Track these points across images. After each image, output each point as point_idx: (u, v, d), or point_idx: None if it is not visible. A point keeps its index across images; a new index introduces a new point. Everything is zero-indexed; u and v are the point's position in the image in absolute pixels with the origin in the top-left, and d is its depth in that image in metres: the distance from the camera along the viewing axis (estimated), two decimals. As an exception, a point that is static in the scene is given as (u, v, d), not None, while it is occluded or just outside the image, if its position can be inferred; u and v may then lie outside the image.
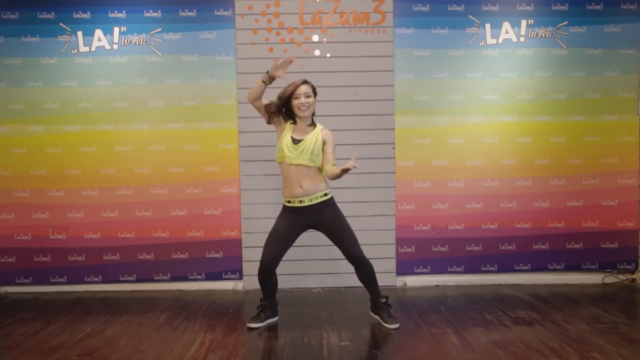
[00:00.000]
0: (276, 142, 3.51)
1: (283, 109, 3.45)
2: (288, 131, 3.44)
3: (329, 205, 3.46)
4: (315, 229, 3.52)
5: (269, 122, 3.53)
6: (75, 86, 4.47)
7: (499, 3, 4.52)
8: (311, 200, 3.41)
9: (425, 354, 3.06)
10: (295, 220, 3.46)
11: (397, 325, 3.48)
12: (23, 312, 3.97)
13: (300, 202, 3.42)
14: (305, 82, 3.42)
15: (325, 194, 3.45)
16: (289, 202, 3.47)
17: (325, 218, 3.45)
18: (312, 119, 3.48)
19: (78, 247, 4.52)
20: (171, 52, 4.49)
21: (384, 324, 3.52)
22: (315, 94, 3.46)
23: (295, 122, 3.46)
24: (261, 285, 3.57)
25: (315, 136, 3.40)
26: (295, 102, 3.38)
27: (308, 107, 3.38)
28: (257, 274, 3.52)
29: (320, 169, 3.43)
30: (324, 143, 3.41)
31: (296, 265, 4.39)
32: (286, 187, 3.47)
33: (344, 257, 3.56)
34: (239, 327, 3.58)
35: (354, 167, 3.14)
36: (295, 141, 3.40)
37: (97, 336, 3.42)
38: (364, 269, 3.51)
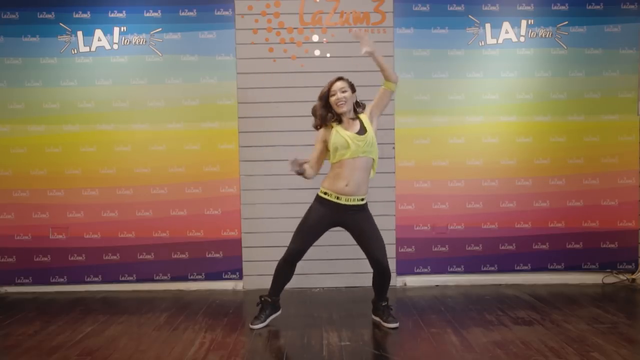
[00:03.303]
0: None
1: (327, 110, 3.42)
2: (340, 130, 3.39)
3: (364, 209, 3.46)
4: (344, 227, 3.50)
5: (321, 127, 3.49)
6: (75, 86, 4.47)
7: (499, 3, 4.52)
8: (347, 201, 3.40)
9: (425, 354, 3.06)
10: (329, 215, 3.42)
11: (396, 325, 3.49)
12: (23, 312, 3.97)
13: (337, 198, 3.40)
14: (339, 78, 3.44)
15: (363, 199, 3.44)
16: (325, 193, 3.43)
17: (358, 221, 3.43)
18: (357, 111, 3.46)
19: (78, 247, 4.52)
20: (171, 52, 4.49)
21: (384, 323, 3.52)
22: (353, 88, 3.44)
23: (340, 122, 3.43)
24: (276, 278, 3.54)
25: (368, 125, 3.41)
26: (332, 99, 3.39)
27: (345, 102, 3.37)
28: (278, 263, 3.51)
29: (373, 166, 3.45)
30: (372, 114, 3.44)
31: (297, 265, 4.38)
32: (331, 180, 3.42)
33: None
34: (239, 327, 3.58)
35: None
36: (359, 132, 3.37)
37: (97, 336, 3.42)
38: (383, 278, 3.50)
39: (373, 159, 3.43)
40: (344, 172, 3.37)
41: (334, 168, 3.43)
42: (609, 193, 4.62)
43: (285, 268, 3.51)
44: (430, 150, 4.56)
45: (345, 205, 3.40)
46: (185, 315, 3.85)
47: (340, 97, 3.37)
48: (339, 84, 3.40)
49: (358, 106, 3.47)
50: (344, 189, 3.38)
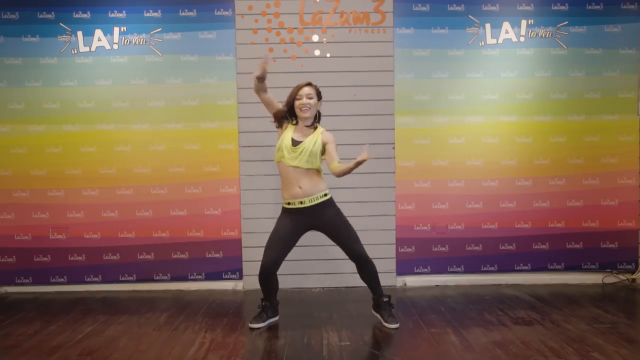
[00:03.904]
0: (276, 142, 3.51)
1: (288, 110, 3.47)
2: (289, 131, 3.45)
3: (330, 205, 3.47)
4: (317, 229, 3.52)
5: (278, 127, 3.55)
6: (75, 86, 4.47)
7: (499, 3, 4.52)
8: (312, 201, 3.41)
9: (425, 354, 3.06)
10: (297, 222, 3.46)
11: (397, 325, 3.48)
12: (23, 312, 3.97)
13: (301, 202, 3.42)
14: (309, 84, 3.45)
15: (325, 194, 3.46)
16: (288, 203, 3.47)
17: (326, 218, 3.45)
18: (314, 122, 3.49)
19: (78, 247, 4.52)
20: (171, 52, 4.49)
21: (384, 323, 3.52)
22: (319, 97, 3.47)
23: (297, 123, 3.47)
24: (262, 288, 3.57)
25: (315, 138, 3.41)
26: (297, 103, 3.41)
27: (309, 108, 3.39)
28: (257, 276, 3.52)
29: (318, 171, 3.45)
30: (324, 145, 3.42)
31: (296, 265, 4.39)
32: (285, 188, 3.48)
33: (344, 257, 3.56)
34: (239, 327, 3.58)
35: (369, 157, 3.12)
36: (295, 142, 3.41)
37: (97, 336, 3.42)
38: (366, 268, 3.51)
39: (317, 169, 3.44)
40: (291, 177, 3.41)
41: (281, 174, 3.48)
42: (609, 193, 4.62)
43: (266, 279, 3.51)
44: (430, 150, 4.56)
45: (311, 206, 3.41)
46: (185, 315, 3.85)
47: (305, 102, 3.39)
48: (306, 90, 3.41)
49: (317, 118, 3.50)
50: (300, 192, 3.40)
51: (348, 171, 3.25)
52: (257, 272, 3.49)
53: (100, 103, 4.49)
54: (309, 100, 3.39)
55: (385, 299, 3.57)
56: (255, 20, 4.47)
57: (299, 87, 3.43)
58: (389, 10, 4.49)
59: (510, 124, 4.58)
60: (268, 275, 3.48)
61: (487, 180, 4.59)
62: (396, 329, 3.46)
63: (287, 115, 3.48)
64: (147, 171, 4.52)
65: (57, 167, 4.50)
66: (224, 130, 4.51)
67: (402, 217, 4.58)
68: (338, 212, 3.49)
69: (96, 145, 4.50)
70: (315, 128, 3.48)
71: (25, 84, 4.47)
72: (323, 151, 3.44)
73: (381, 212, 4.54)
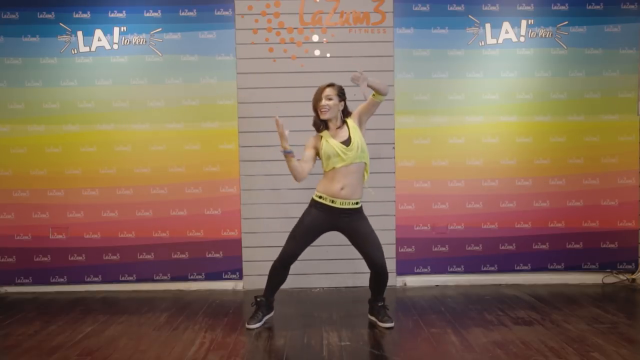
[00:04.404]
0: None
1: (318, 117, 3.45)
2: (328, 138, 3.41)
3: (359, 212, 3.48)
4: (339, 231, 3.51)
5: (317, 132, 3.50)
6: (75, 86, 4.47)
7: (499, 3, 4.52)
8: (342, 204, 3.41)
9: (425, 354, 3.06)
10: (323, 219, 3.44)
11: (392, 324, 3.49)
12: (23, 312, 3.97)
13: (332, 202, 3.41)
14: (330, 85, 3.44)
15: (357, 202, 3.46)
16: (320, 197, 3.45)
17: (353, 224, 3.45)
18: (342, 120, 3.47)
19: (78, 247, 4.53)
20: (171, 52, 4.49)
21: (379, 323, 3.53)
22: (341, 97, 3.44)
23: (327, 128, 3.46)
24: (270, 279, 3.56)
25: (355, 130, 3.42)
26: (317, 105, 3.41)
27: (328, 109, 3.38)
28: (271, 266, 3.53)
29: (365, 172, 3.46)
30: (360, 117, 3.46)
31: (296, 265, 4.35)
32: (326, 183, 3.44)
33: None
34: (239, 327, 3.58)
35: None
36: (345, 142, 3.39)
37: (97, 336, 3.42)
38: (381, 278, 3.52)
39: (365, 163, 3.45)
40: (338, 176, 3.39)
41: (328, 175, 3.44)
42: (609, 193, 4.62)
43: (279, 270, 3.53)
44: (430, 150, 4.56)
45: (339, 208, 3.41)
46: (185, 315, 3.85)
47: (324, 104, 3.38)
48: (327, 91, 3.41)
49: (345, 114, 3.49)
50: (339, 193, 3.39)
51: (378, 88, 3.33)
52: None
53: (100, 103, 4.49)
54: (327, 102, 3.38)
55: (381, 304, 3.59)
56: (255, 20, 4.47)
57: (320, 90, 3.43)
58: (389, 10, 4.49)
59: (510, 124, 4.58)
60: (284, 266, 3.51)
61: (487, 180, 4.59)
62: (391, 328, 3.47)
63: (318, 120, 3.45)
64: (147, 171, 4.52)
65: (57, 167, 4.50)
66: (224, 130, 4.51)
67: (402, 217, 4.58)
68: (366, 219, 3.50)
69: (96, 145, 4.50)
70: (345, 123, 3.46)
71: (25, 84, 4.47)
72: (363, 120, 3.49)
73: (381, 212, 4.53)
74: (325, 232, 3.52)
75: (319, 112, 3.41)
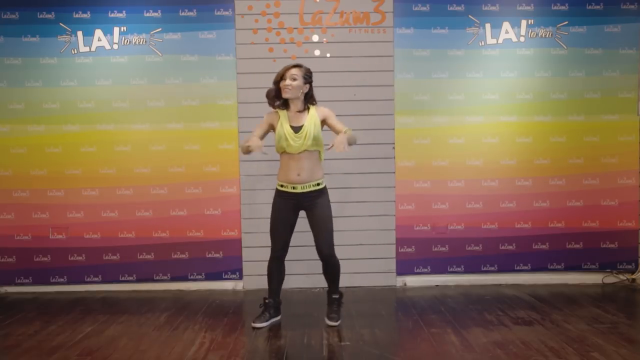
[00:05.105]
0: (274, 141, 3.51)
1: (277, 94, 3.45)
2: (284, 120, 3.44)
3: (321, 193, 3.49)
4: (304, 212, 3.53)
5: (271, 105, 3.53)
6: (75, 86, 4.47)
7: (499, 3, 4.52)
8: (303, 188, 3.44)
9: (425, 354, 3.06)
10: (290, 205, 3.49)
11: (335, 324, 3.50)
12: (23, 312, 3.97)
13: (293, 188, 3.45)
14: (296, 65, 3.44)
15: (319, 184, 3.47)
16: (282, 186, 3.50)
17: (314, 207, 3.46)
18: (304, 104, 3.48)
19: (78, 247, 4.52)
20: (171, 52, 4.49)
21: (325, 318, 3.55)
22: (306, 79, 3.43)
23: (287, 108, 3.48)
24: (270, 279, 3.58)
25: (313, 120, 3.42)
26: (281, 84, 3.42)
27: (290, 89, 3.38)
28: (267, 265, 3.55)
29: (320, 154, 3.47)
30: (323, 120, 3.45)
31: (296, 265, 4.39)
32: (283, 172, 3.49)
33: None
34: (239, 327, 3.58)
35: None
36: (296, 129, 3.40)
37: (97, 336, 3.42)
38: (327, 268, 3.54)
39: (319, 151, 3.47)
40: (291, 163, 3.43)
41: (282, 159, 3.48)
42: (609, 193, 4.62)
43: (275, 265, 3.56)
44: (430, 150, 4.56)
45: (302, 193, 3.44)
46: (185, 315, 3.85)
47: (287, 83, 3.39)
48: (291, 71, 3.41)
49: (309, 100, 3.48)
50: (297, 179, 3.43)
51: (353, 138, 3.32)
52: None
53: (100, 103, 4.49)
54: (291, 82, 3.38)
55: (335, 296, 3.59)
56: (255, 20, 4.47)
57: (286, 68, 3.43)
58: (389, 10, 4.49)
59: (510, 124, 4.58)
60: (278, 260, 3.54)
61: (487, 180, 4.59)
62: (333, 326, 3.48)
63: (276, 95, 3.45)
64: (147, 171, 4.52)
65: (57, 167, 4.50)
66: (224, 130, 4.51)
67: (402, 217, 4.58)
68: (327, 202, 3.50)
69: (96, 145, 4.50)
70: (307, 110, 3.47)
71: (25, 84, 4.47)
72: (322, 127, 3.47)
73: (381, 212, 4.53)
74: (297, 215, 3.53)
75: (282, 92, 3.40)
